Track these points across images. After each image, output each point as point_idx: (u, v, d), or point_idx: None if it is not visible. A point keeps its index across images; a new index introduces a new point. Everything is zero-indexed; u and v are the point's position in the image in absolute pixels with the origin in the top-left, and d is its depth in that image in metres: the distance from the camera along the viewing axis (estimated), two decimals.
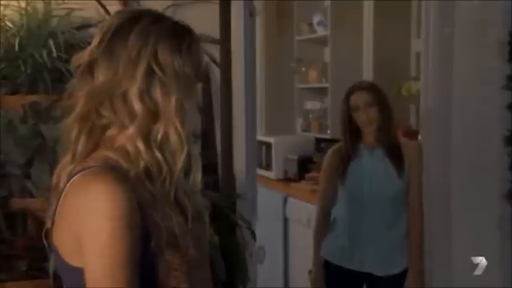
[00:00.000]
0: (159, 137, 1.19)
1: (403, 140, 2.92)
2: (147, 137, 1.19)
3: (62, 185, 1.20)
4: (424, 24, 3.06)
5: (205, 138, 3.06)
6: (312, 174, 4.44)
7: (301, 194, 4.37)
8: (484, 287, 2.73)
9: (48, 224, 1.21)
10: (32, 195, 2.58)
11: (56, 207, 1.19)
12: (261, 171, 4.62)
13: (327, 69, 4.61)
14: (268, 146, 4.82)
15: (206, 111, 3.07)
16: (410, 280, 2.79)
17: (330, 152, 2.95)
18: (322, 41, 4.72)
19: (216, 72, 3.09)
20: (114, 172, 1.15)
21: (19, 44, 2.78)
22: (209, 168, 2.89)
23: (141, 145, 1.18)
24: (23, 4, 2.88)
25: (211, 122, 3.11)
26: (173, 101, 1.19)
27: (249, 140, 3.35)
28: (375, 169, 2.81)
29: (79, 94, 1.21)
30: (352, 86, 2.85)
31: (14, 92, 2.80)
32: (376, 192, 2.79)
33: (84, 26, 2.96)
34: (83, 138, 1.21)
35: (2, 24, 2.84)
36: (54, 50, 2.74)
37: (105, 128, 1.22)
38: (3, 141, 2.57)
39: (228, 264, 2.60)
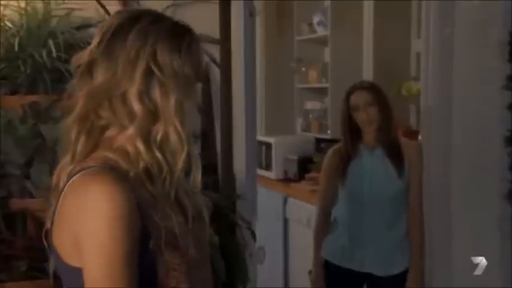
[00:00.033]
0: (158, 137, 1.19)
1: (403, 140, 2.91)
2: (146, 137, 1.19)
3: (61, 185, 1.20)
4: (424, 24, 3.07)
5: (205, 138, 3.06)
6: (312, 174, 4.44)
7: (301, 194, 4.37)
8: (484, 287, 2.74)
9: (48, 225, 1.21)
10: (31, 196, 2.58)
11: (56, 207, 1.19)
12: (261, 172, 4.62)
13: (327, 69, 4.61)
14: (268, 146, 4.81)
15: (206, 111, 3.07)
16: (411, 280, 2.79)
17: (330, 152, 2.95)
18: (322, 41, 4.72)
19: (216, 72, 3.09)
20: (113, 172, 1.15)
21: (19, 44, 2.77)
22: (209, 168, 2.89)
23: (141, 145, 1.18)
24: (22, 4, 2.87)
25: (211, 122, 3.11)
26: (172, 101, 1.19)
27: (249, 140, 3.35)
28: (375, 169, 2.80)
29: (78, 94, 1.21)
30: (352, 86, 2.85)
31: (13, 92, 2.80)
32: (376, 192, 2.79)
33: (84, 26, 2.95)
34: (82, 139, 1.21)
35: (2, 24, 2.83)
36: (53, 50, 2.73)
37: (104, 128, 1.22)
38: (2, 141, 2.57)
39: (228, 264, 2.60)
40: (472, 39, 2.94)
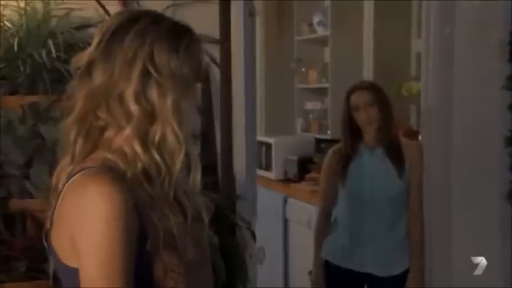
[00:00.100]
0: (156, 138, 1.19)
1: (403, 140, 2.91)
2: (144, 138, 1.19)
3: (61, 185, 1.20)
4: (424, 24, 3.07)
5: (205, 138, 3.05)
6: (312, 174, 4.44)
7: (301, 194, 4.37)
8: (484, 287, 2.73)
9: (47, 225, 1.21)
10: (31, 196, 2.58)
11: (55, 208, 1.19)
12: (261, 172, 4.62)
13: (327, 69, 4.61)
14: (268, 146, 4.81)
15: (206, 111, 3.07)
16: (411, 280, 2.79)
17: (330, 152, 2.94)
18: (322, 41, 4.72)
19: (216, 72, 3.09)
20: (112, 173, 1.14)
21: (18, 44, 2.77)
22: (209, 169, 2.89)
23: (138, 146, 1.18)
24: (22, 4, 2.87)
25: (211, 122, 3.11)
26: (169, 101, 1.19)
27: (249, 141, 3.35)
28: (375, 169, 2.80)
29: (78, 95, 1.21)
30: (352, 86, 2.85)
31: (13, 93, 2.80)
32: (376, 193, 2.78)
33: (84, 26, 2.95)
34: (80, 140, 1.21)
35: (1, 24, 2.83)
36: (53, 50, 2.73)
37: (103, 129, 1.21)
38: (2, 141, 2.57)
39: (228, 264, 2.60)
40: (473, 39, 2.94)
